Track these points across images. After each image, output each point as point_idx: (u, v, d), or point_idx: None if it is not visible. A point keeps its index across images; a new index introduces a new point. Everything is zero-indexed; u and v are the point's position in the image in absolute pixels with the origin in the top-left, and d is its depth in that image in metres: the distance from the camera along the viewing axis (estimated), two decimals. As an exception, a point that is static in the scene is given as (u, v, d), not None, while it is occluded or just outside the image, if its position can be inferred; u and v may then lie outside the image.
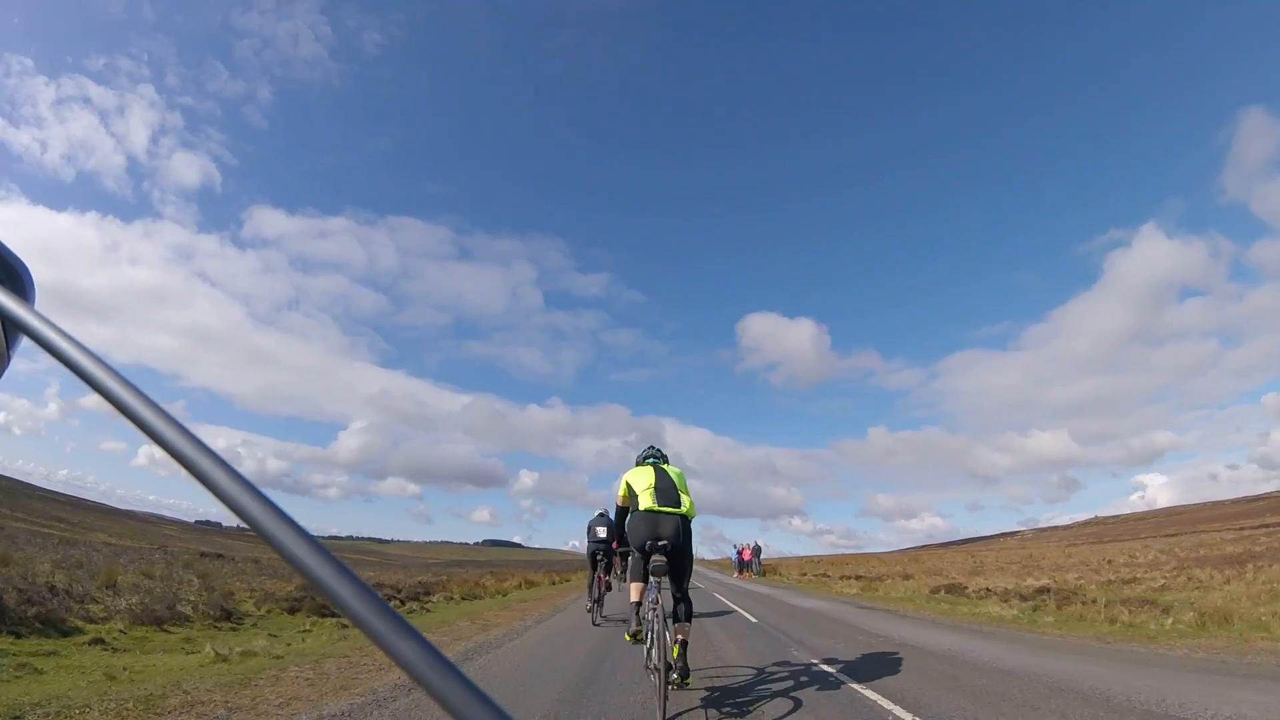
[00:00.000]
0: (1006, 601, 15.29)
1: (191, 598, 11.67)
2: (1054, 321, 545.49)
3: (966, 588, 19.83)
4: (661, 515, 5.83)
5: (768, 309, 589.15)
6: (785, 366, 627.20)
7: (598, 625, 12.04)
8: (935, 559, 59.64)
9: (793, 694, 6.23)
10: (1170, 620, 10.67)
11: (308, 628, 10.34)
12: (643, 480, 6.07)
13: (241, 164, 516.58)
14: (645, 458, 6.58)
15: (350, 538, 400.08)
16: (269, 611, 11.80)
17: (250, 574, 23.81)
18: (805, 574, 39.06)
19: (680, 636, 5.73)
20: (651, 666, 5.58)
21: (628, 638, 6.17)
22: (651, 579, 5.86)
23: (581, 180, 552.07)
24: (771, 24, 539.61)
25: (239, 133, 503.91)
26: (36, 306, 0.50)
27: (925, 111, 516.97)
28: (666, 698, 5.22)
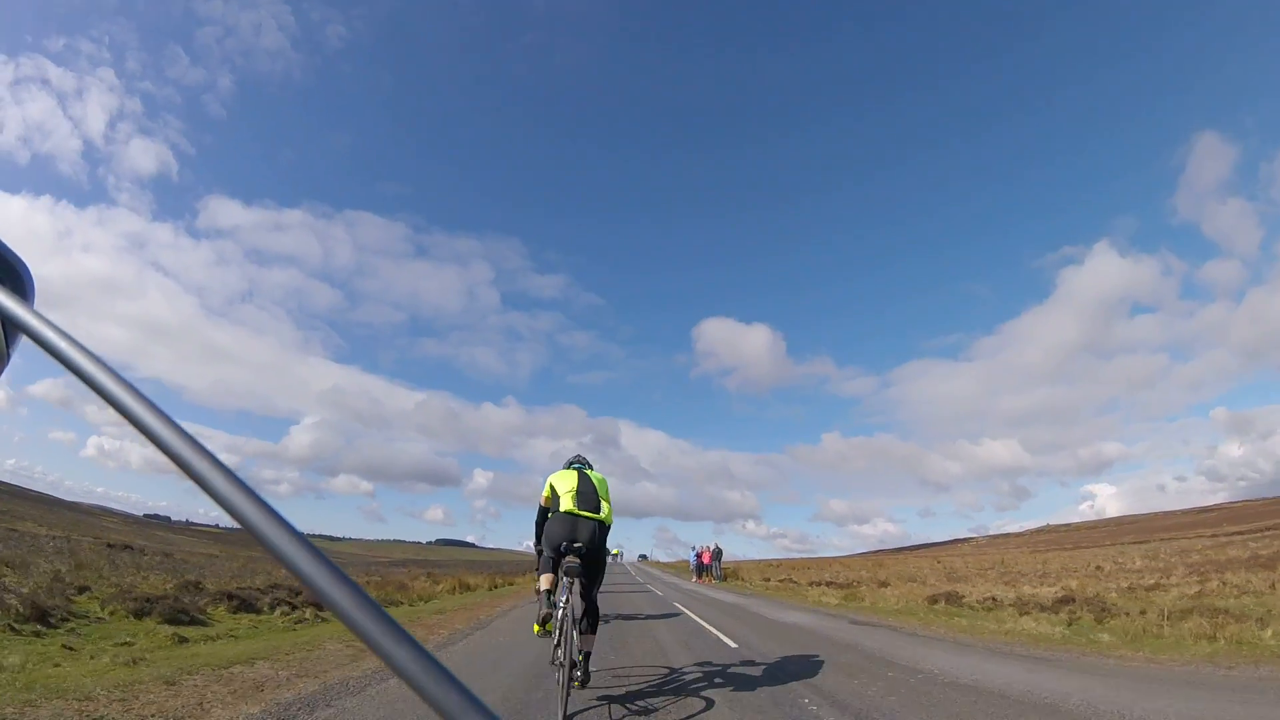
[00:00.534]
0: (1027, 613, 12.51)
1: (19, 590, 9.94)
2: (1007, 333, 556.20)
3: (963, 596, 17.05)
4: (580, 519, 6.08)
5: (724, 314, 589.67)
6: (741, 372, 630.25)
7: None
8: (899, 564, 57.26)
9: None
10: (1269, 632, 8.79)
11: (130, 639, 8.25)
12: (566, 484, 6.30)
13: (199, 153, 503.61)
14: (571, 463, 6.77)
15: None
16: (112, 614, 9.76)
17: (144, 568, 20.58)
18: (768, 579, 35.15)
19: (585, 649, 6.03)
20: (557, 663, 5.75)
21: (535, 628, 6.24)
22: (564, 579, 5.93)
23: (541, 182, 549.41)
24: (730, 31, 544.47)
25: (197, 121, 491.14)
26: (36, 306, 0.51)
27: (882, 122, 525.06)
28: (568, 695, 5.43)
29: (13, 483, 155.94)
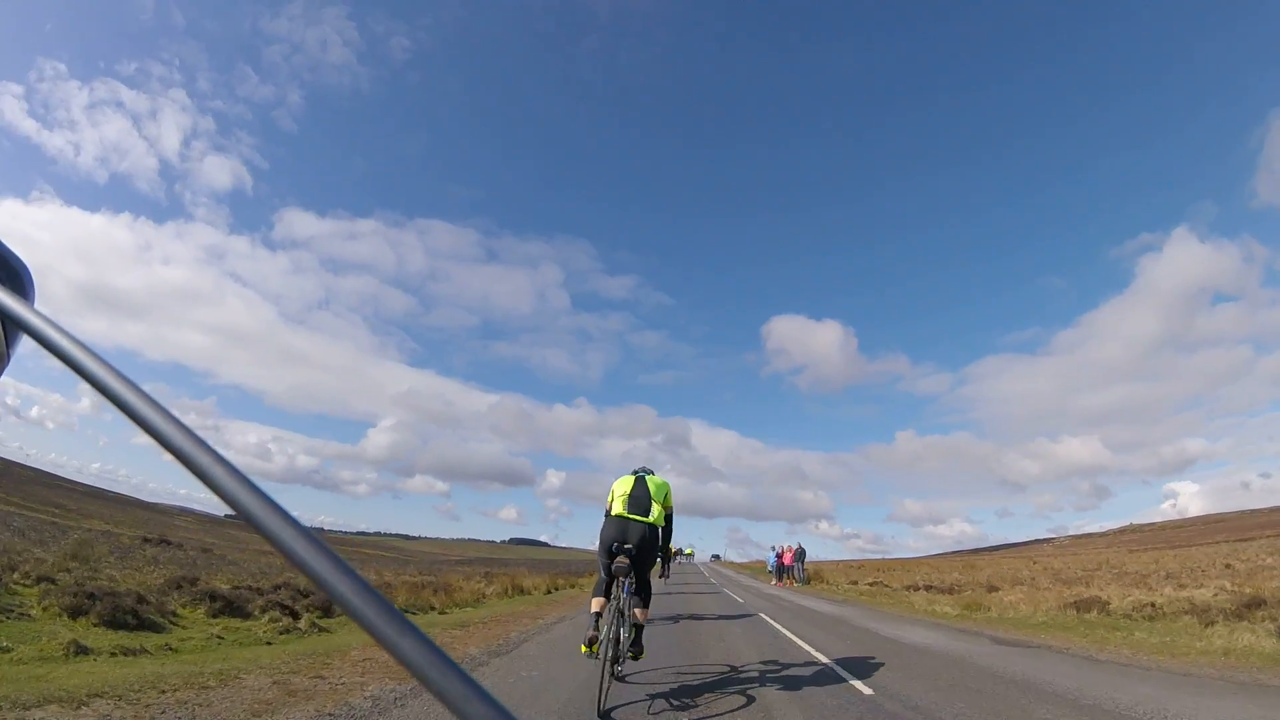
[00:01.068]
0: (1213, 622, 10.40)
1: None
2: (1085, 326, 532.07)
3: (1109, 602, 14.40)
4: (630, 521, 6.51)
5: (794, 311, 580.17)
6: (811, 370, 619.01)
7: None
8: (990, 565, 52.88)
9: None
10: None
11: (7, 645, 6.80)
12: (622, 488, 6.76)
13: (272, 167, 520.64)
14: (635, 470, 7.02)
15: (378, 533, 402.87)
16: (46, 609, 8.62)
17: (159, 563, 19.40)
18: (855, 581, 31.86)
19: (640, 618, 6.49)
20: (597, 647, 6.03)
21: (583, 648, 6.22)
22: (617, 578, 6.32)
23: (609, 183, 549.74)
24: (801, 25, 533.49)
25: (269, 136, 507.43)
26: (35, 305, 0.51)
27: (953, 116, 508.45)
28: (608, 687, 5.74)
29: (97, 485, 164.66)
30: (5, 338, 0.57)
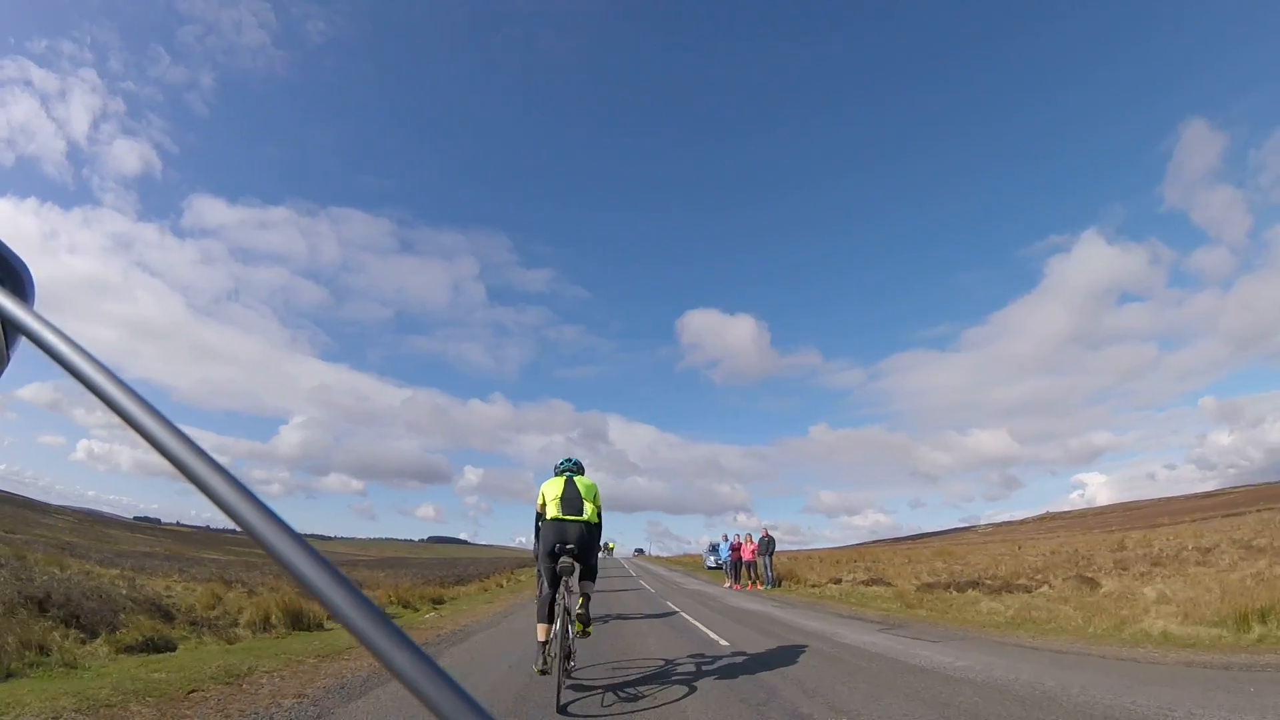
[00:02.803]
0: None
1: None
2: (995, 324, 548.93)
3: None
4: (567, 523, 6.71)
5: (708, 305, 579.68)
6: (726, 363, 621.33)
7: None
8: (939, 555, 46.74)
9: None
10: None
11: None
12: (553, 491, 6.91)
13: (182, 151, 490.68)
14: (561, 470, 7.19)
15: None
16: None
17: None
18: (838, 580, 23.56)
19: (585, 593, 6.89)
20: (547, 660, 6.44)
21: (536, 670, 6.56)
22: (561, 579, 6.53)
23: (526, 176, 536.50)
24: (717, 23, 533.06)
25: (181, 120, 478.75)
26: (36, 307, 0.51)
27: (869, 116, 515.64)
28: (562, 685, 5.97)
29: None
30: (5, 340, 0.56)
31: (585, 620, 6.85)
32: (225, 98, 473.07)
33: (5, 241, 0.55)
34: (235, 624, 10.45)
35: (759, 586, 24.56)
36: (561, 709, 5.78)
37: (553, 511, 6.74)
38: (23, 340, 0.53)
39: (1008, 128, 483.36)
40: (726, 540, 28.36)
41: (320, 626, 10.89)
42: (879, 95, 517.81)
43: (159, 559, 35.83)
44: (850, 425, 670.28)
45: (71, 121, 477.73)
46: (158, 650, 8.07)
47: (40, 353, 0.48)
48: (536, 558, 11.17)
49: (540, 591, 8.48)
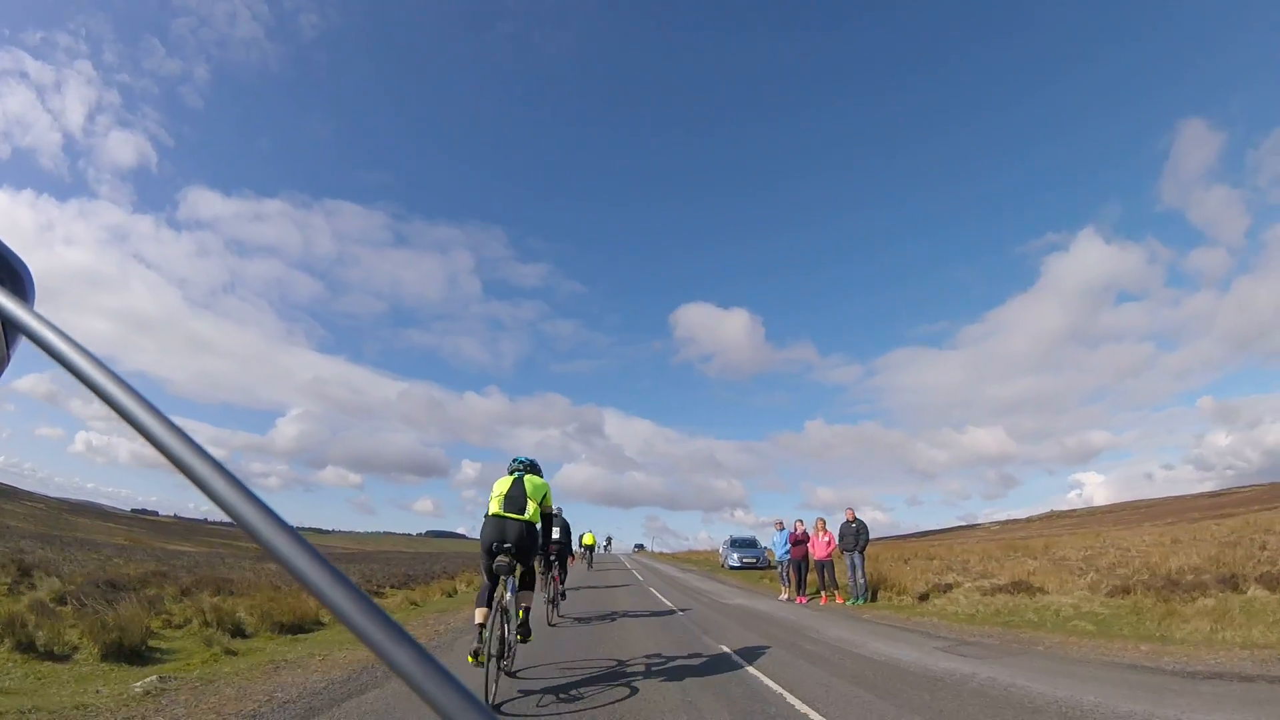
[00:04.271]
0: None
1: None
2: (992, 321, 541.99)
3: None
4: (507, 520, 6.63)
5: (701, 299, 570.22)
6: (720, 358, 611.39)
7: (553, 625, 11.68)
8: (993, 550, 37.37)
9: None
10: None
11: None
12: (500, 488, 6.93)
13: (177, 144, 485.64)
14: (511, 470, 7.23)
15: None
16: None
17: None
18: (949, 585, 14.47)
19: (524, 604, 6.98)
20: (481, 645, 6.22)
21: (469, 659, 6.41)
22: (501, 578, 6.49)
23: (521, 168, 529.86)
24: (713, 15, 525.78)
25: (176, 112, 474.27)
26: (36, 307, 0.51)
27: (865, 109, 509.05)
28: (496, 682, 5.97)
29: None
30: (5, 339, 0.56)
31: (525, 632, 7.13)
32: (219, 90, 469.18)
33: (4, 241, 0.55)
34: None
35: (842, 600, 16.39)
36: (495, 708, 5.78)
37: (494, 508, 6.75)
38: (23, 339, 0.53)
39: (1005, 122, 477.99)
40: (782, 529, 18.90)
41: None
42: (875, 89, 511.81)
43: (108, 549, 33.28)
44: (846, 421, 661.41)
45: (67, 113, 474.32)
46: None
47: (41, 352, 0.47)
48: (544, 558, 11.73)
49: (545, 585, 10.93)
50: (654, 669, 7.93)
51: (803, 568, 17.84)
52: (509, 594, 6.43)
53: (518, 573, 6.62)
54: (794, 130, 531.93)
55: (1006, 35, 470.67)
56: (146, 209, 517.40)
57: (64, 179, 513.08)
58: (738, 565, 32.59)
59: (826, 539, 17.05)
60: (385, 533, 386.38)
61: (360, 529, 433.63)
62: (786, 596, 18.14)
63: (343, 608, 0.42)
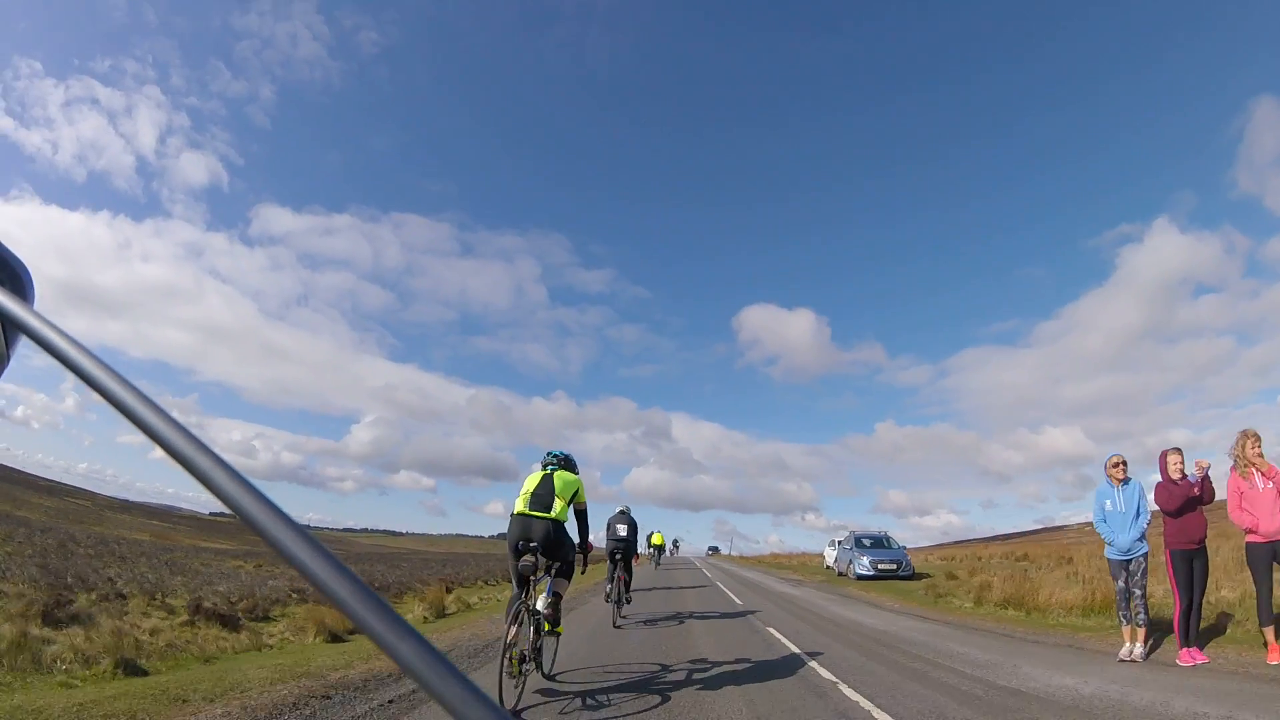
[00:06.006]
0: None
1: None
2: (1066, 318, 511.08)
3: None
4: (533, 519, 6.23)
5: (765, 300, 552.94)
6: (785, 360, 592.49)
7: (618, 628, 10.97)
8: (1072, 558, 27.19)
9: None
10: None
11: None
12: (528, 485, 6.49)
13: (247, 163, 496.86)
14: (545, 464, 6.81)
15: (365, 530, 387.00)
16: None
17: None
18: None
19: (558, 591, 6.45)
20: (509, 661, 5.73)
21: (507, 674, 6.09)
22: (527, 578, 6.23)
23: (582, 174, 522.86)
24: (778, 12, 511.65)
25: (244, 132, 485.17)
26: (35, 306, 0.51)
27: (931, 105, 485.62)
28: (519, 686, 5.70)
29: (84, 487, 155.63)
30: (5, 339, 0.56)
31: (554, 620, 6.51)
32: (285, 109, 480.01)
33: (4, 243, 0.55)
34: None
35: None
36: (515, 712, 5.57)
37: (519, 506, 6.37)
38: (23, 339, 0.53)
39: (1074, 116, 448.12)
40: (1123, 483, 8.03)
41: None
42: (941, 83, 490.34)
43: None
44: (918, 423, 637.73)
45: (139, 136, 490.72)
46: None
47: (41, 351, 0.47)
48: (610, 556, 12.46)
49: (610, 581, 10.77)
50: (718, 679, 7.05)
51: (1191, 567, 7.47)
52: (537, 596, 6.20)
53: (552, 572, 6.36)
54: (859, 128, 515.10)
55: (1070, 29, 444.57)
56: (219, 226, 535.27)
57: (139, 199, 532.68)
58: (869, 574, 23.58)
59: (1201, 482, 7.97)
60: (458, 534, 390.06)
61: (433, 531, 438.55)
62: (1129, 650, 7.70)
63: (347, 601, 0.41)
